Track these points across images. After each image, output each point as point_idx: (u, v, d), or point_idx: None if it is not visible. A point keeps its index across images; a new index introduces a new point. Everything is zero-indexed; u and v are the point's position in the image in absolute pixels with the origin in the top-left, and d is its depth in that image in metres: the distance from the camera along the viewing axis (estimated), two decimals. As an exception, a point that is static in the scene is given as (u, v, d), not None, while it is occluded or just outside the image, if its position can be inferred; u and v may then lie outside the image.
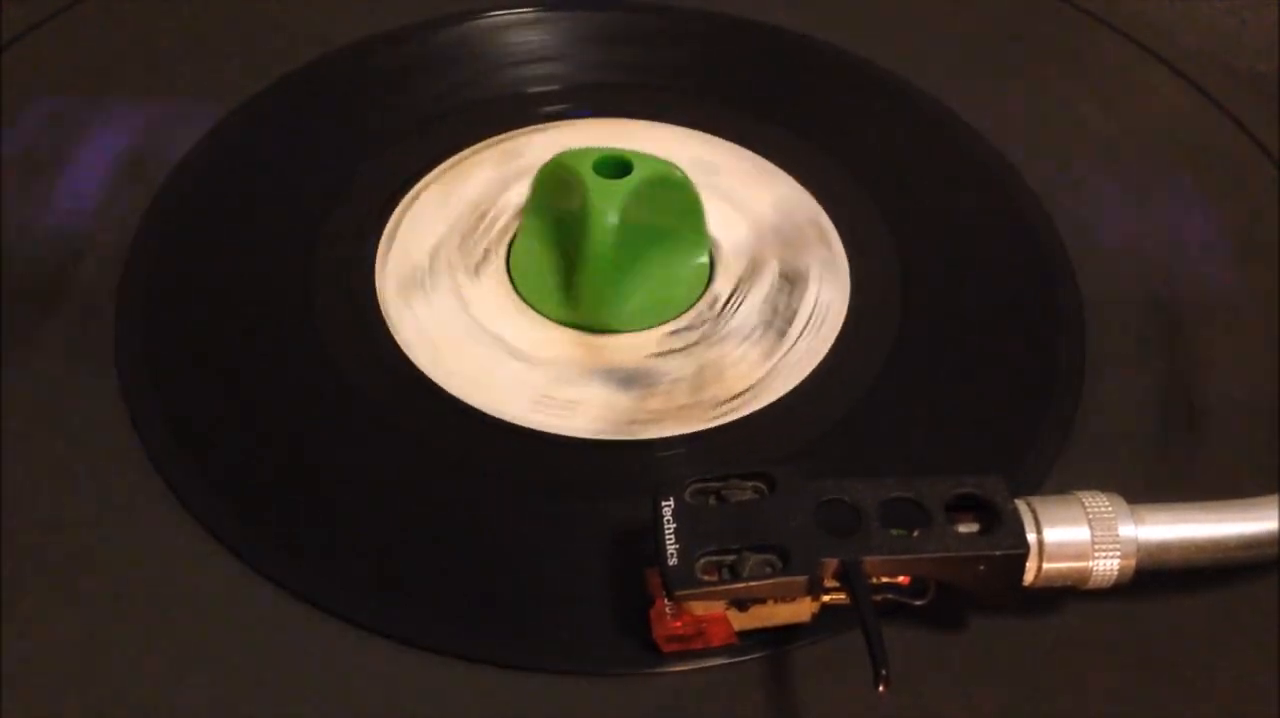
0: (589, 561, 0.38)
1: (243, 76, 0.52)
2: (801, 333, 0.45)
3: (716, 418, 0.42)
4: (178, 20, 0.56)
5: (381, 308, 0.44)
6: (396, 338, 0.43)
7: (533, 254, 0.46)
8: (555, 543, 0.39)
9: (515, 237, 0.47)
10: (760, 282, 0.46)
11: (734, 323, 0.45)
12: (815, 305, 0.46)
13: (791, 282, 0.46)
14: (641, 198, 0.43)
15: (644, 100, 0.53)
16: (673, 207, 0.45)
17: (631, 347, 0.44)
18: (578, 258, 0.44)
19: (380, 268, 0.46)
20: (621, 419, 0.42)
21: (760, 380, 0.43)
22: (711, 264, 0.47)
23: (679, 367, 0.43)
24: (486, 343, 0.44)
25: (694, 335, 0.44)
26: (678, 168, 0.45)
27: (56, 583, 0.37)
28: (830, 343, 0.44)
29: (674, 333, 0.44)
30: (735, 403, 0.42)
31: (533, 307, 0.45)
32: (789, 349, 0.44)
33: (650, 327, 0.45)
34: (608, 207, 0.43)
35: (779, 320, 0.45)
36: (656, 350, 0.44)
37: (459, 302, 0.45)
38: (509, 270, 0.46)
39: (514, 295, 0.45)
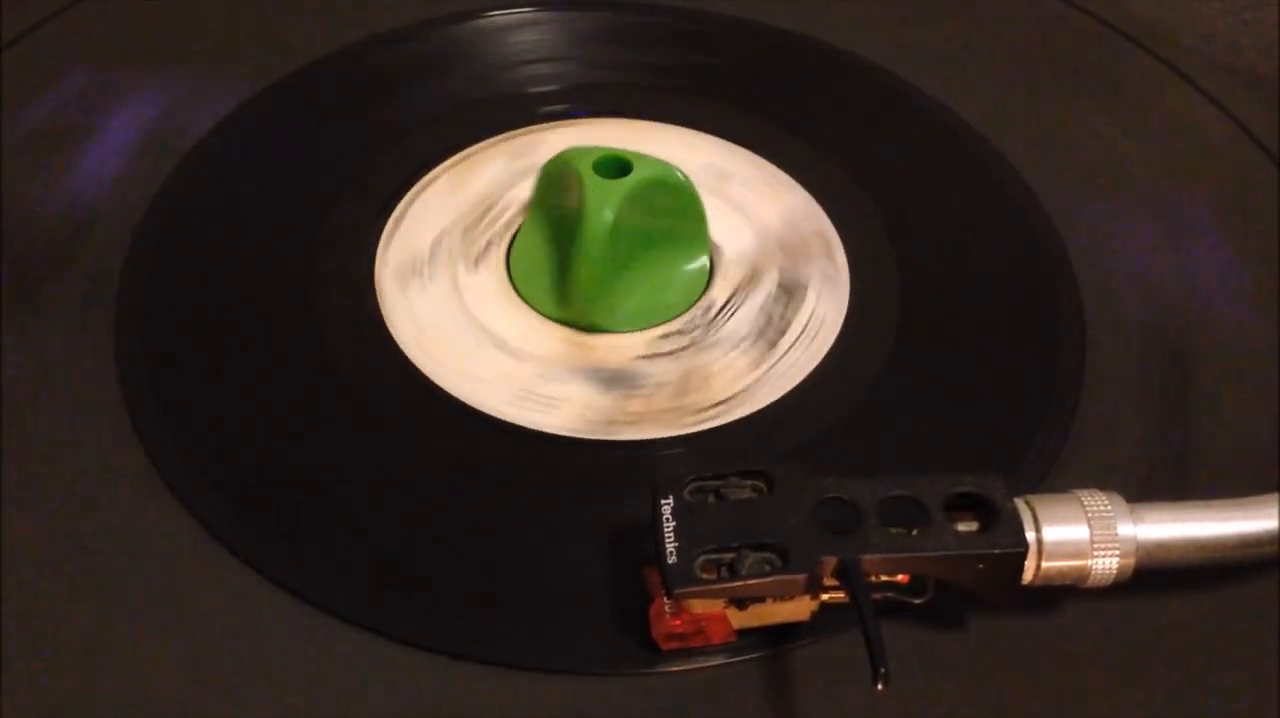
0: (588, 559, 0.38)
1: (243, 77, 0.53)
2: (802, 331, 0.45)
3: (716, 416, 0.42)
4: (178, 20, 0.56)
5: (382, 308, 0.44)
6: (397, 338, 0.43)
7: (531, 249, 0.46)
8: (555, 542, 0.39)
9: (517, 232, 0.47)
10: (760, 279, 0.46)
11: (736, 311, 0.45)
12: (816, 304, 0.46)
13: (792, 281, 0.46)
14: (640, 200, 0.43)
15: (644, 100, 0.53)
16: (672, 210, 0.45)
17: (627, 346, 0.44)
18: (572, 255, 0.43)
19: (381, 267, 0.46)
20: (611, 419, 0.42)
21: (762, 377, 0.43)
22: (712, 266, 0.47)
23: (675, 365, 0.44)
24: (489, 344, 0.44)
25: (689, 333, 0.45)
26: (679, 171, 0.45)
27: (56, 582, 0.37)
28: (830, 342, 0.44)
29: (675, 332, 0.45)
30: (736, 400, 0.42)
31: (527, 302, 0.45)
32: (789, 347, 0.44)
33: (640, 329, 0.45)
34: (603, 206, 0.43)
35: (778, 318, 0.45)
36: (654, 351, 0.44)
37: (460, 302, 0.45)
38: (508, 266, 0.46)
39: (513, 293, 0.45)
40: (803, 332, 0.45)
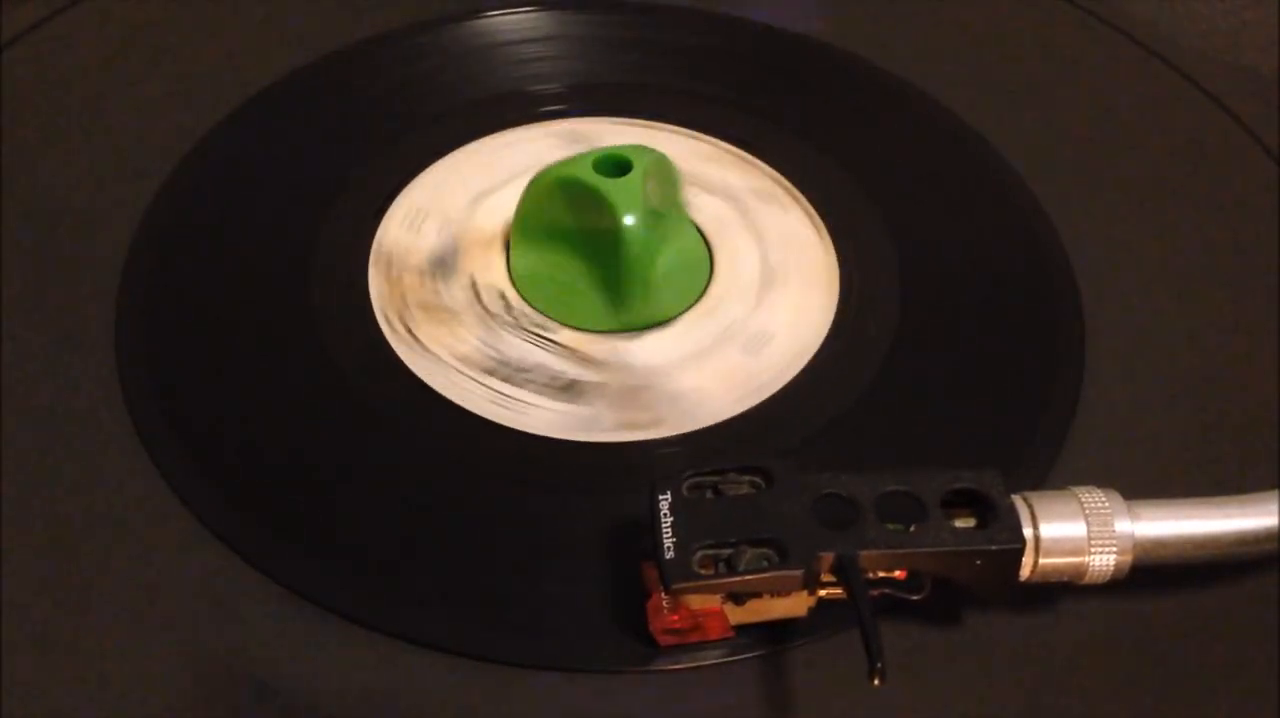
0: (586, 557, 0.38)
1: (243, 76, 0.53)
2: (803, 331, 0.45)
3: (716, 416, 0.42)
4: (178, 20, 0.56)
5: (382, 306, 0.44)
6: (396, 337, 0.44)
7: (554, 271, 0.45)
8: (552, 540, 0.39)
9: (512, 253, 0.46)
10: (759, 277, 0.46)
11: (732, 321, 0.45)
12: (817, 304, 0.46)
13: (792, 279, 0.46)
14: (647, 188, 0.44)
15: (644, 100, 0.53)
16: (666, 188, 0.45)
17: (626, 344, 0.44)
18: (618, 266, 0.43)
19: (380, 267, 0.46)
20: (623, 419, 0.42)
21: (760, 378, 0.43)
22: (712, 263, 0.47)
23: (681, 367, 0.43)
24: (488, 343, 0.44)
25: (694, 336, 0.45)
26: (654, 150, 0.45)
27: (56, 582, 0.37)
28: (830, 341, 0.44)
29: (679, 335, 0.45)
30: (734, 401, 0.42)
31: (520, 291, 0.45)
32: (789, 348, 0.44)
33: (688, 306, 0.45)
34: (551, 169, 0.44)
35: (779, 319, 0.45)
36: (667, 350, 0.44)
37: (460, 301, 0.45)
38: (508, 259, 0.46)
39: (516, 294, 0.45)
40: (803, 330, 0.45)
